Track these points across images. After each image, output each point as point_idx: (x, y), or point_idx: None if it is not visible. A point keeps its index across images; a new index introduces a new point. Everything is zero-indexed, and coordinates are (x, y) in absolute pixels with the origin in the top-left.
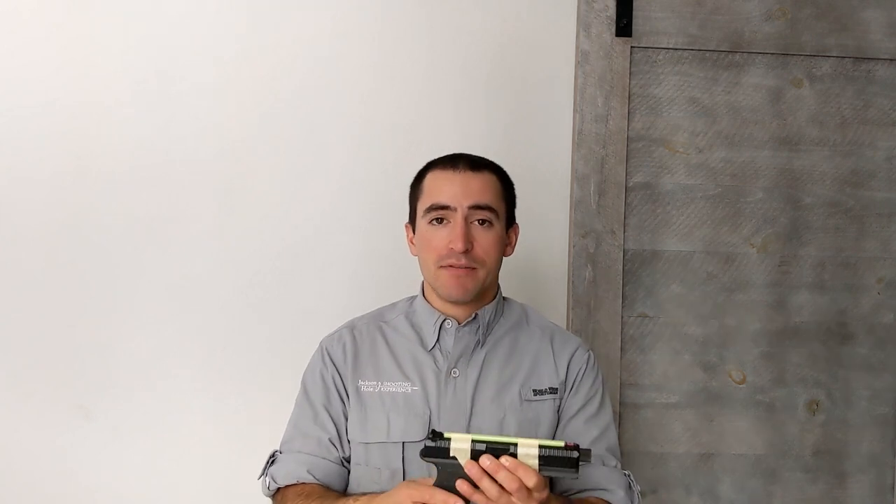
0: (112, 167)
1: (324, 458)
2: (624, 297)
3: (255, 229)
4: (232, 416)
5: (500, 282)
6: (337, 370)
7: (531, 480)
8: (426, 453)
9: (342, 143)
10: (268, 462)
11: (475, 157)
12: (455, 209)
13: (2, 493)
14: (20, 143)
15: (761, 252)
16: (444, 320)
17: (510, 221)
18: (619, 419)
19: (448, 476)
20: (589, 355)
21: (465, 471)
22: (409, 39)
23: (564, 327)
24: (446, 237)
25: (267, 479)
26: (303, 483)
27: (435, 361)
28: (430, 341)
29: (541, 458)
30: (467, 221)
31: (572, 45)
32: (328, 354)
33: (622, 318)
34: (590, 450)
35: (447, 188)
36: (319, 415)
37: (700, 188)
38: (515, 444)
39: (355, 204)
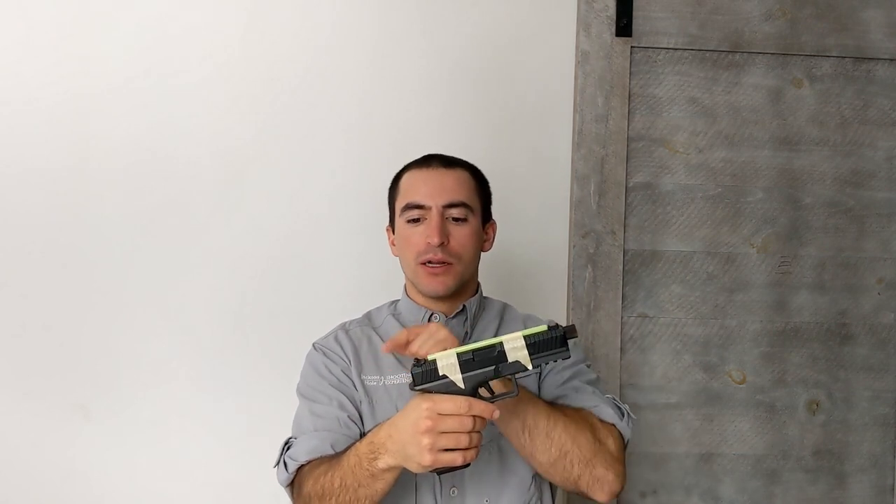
0: (111, 167)
1: (345, 435)
2: (624, 298)
3: (253, 230)
4: (231, 417)
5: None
6: (343, 360)
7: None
8: (417, 381)
9: (340, 143)
10: (283, 449)
11: (448, 156)
12: (430, 207)
13: (1, 493)
14: (19, 143)
15: (761, 252)
16: (432, 314)
17: (486, 217)
18: None
19: None
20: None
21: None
22: (408, 39)
23: None
24: (423, 233)
25: (283, 464)
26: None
27: None
28: None
29: (528, 346)
30: (443, 217)
31: (572, 45)
32: (328, 349)
33: (622, 318)
34: (573, 325)
35: (422, 187)
36: (334, 398)
37: (700, 188)
38: (501, 343)
39: (354, 205)
